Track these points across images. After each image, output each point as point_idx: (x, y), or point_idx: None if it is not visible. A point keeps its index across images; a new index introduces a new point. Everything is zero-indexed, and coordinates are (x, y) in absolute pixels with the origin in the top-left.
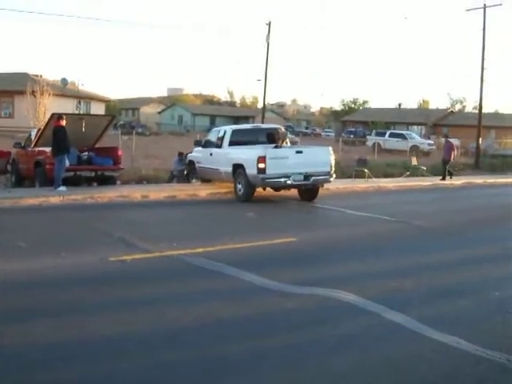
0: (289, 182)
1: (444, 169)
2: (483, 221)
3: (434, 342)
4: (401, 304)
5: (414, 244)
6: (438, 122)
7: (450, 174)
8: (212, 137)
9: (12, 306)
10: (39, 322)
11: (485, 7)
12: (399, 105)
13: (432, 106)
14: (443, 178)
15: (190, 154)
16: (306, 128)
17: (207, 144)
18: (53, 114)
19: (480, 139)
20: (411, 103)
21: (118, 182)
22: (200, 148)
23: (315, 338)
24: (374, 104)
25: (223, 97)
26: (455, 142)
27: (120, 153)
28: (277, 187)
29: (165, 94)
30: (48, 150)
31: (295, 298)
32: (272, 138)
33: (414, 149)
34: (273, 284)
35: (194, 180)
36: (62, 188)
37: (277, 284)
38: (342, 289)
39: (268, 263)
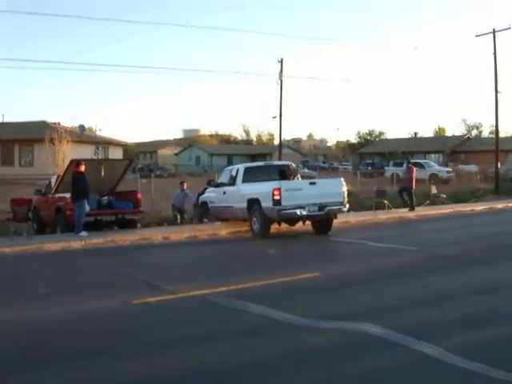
0: (304, 212)
1: (409, 198)
2: (508, 246)
3: (465, 372)
4: (429, 334)
5: (439, 273)
6: (456, 149)
7: (411, 204)
8: (224, 176)
9: (35, 352)
10: (64, 369)
11: (494, 32)
12: (415, 134)
13: (448, 133)
14: (412, 208)
15: (202, 196)
16: (324, 162)
17: (220, 184)
18: (72, 161)
19: (498, 164)
20: (427, 132)
21: (139, 225)
22: (213, 188)
23: (344, 373)
24: (390, 135)
25: (239, 135)
26: (473, 167)
27: (139, 196)
28: (293, 219)
29: (181, 135)
30: (68, 195)
31: (322, 332)
32: (284, 174)
33: (433, 177)
34: (298, 320)
35: (206, 220)
36: (84, 233)
37: (302, 320)
38: (368, 322)
39: (292, 299)
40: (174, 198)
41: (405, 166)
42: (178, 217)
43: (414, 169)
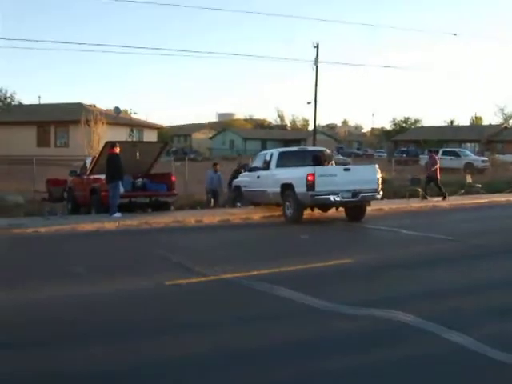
0: (338, 198)
1: (438, 187)
2: None
3: (494, 362)
4: (460, 323)
5: (472, 263)
6: (492, 139)
7: (444, 195)
8: (258, 161)
9: (69, 330)
10: (96, 347)
11: None
12: (451, 122)
13: (485, 121)
14: (444, 197)
15: (235, 180)
16: (358, 149)
17: (254, 168)
18: (107, 142)
19: None
20: (463, 120)
21: (172, 207)
22: (246, 172)
23: (374, 360)
24: (425, 122)
25: (274, 120)
26: (509, 157)
27: (174, 179)
28: (326, 204)
29: (215, 119)
30: (103, 177)
31: (353, 319)
32: (318, 160)
33: (468, 166)
34: (330, 305)
35: (239, 204)
36: (118, 214)
37: (334, 305)
38: (399, 309)
39: (323, 285)
40: (209, 181)
41: (427, 154)
42: (212, 200)
43: (436, 157)
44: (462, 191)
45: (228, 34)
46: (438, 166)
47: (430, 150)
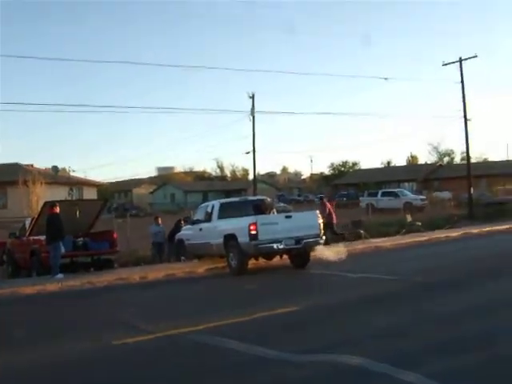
0: (281, 246)
1: (334, 233)
2: (486, 272)
3: None
4: (409, 362)
5: (417, 300)
6: (428, 177)
7: (342, 236)
8: (200, 213)
9: None
10: None
11: (461, 60)
12: (388, 163)
13: (421, 160)
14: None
15: (178, 233)
16: (299, 195)
17: (196, 221)
18: (46, 203)
19: (471, 189)
20: (400, 160)
21: (116, 265)
22: (189, 225)
23: None
24: (363, 165)
25: (214, 171)
26: (446, 194)
27: (115, 236)
28: (270, 253)
29: (155, 173)
30: (43, 238)
31: (304, 366)
32: (259, 209)
33: (408, 206)
34: (280, 355)
35: (183, 258)
36: (60, 275)
37: (284, 354)
38: (350, 353)
39: (272, 334)
40: (153, 235)
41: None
42: (157, 254)
43: (327, 202)
44: (404, 230)
45: (164, 88)
46: (330, 210)
47: (321, 196)
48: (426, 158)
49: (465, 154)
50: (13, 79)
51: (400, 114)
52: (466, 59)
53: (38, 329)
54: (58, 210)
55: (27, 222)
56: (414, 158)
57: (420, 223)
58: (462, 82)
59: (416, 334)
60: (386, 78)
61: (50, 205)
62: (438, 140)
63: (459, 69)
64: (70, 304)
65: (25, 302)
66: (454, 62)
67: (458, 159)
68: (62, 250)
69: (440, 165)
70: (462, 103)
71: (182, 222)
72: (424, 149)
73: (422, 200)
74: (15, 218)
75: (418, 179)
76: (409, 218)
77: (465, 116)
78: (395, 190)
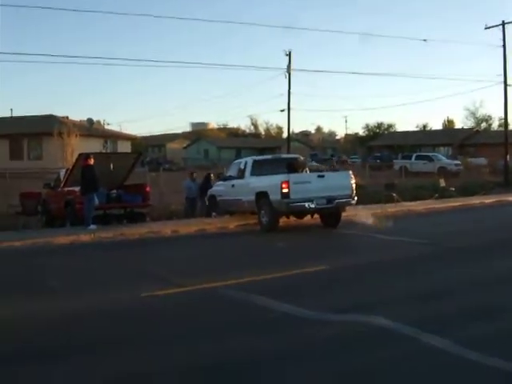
0: (312, 205)
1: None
2: None
3: (472, 363)
4: (437, 327)
5: (447, 265)
6: (465, 142)
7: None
8: (233, 169)
9: (43, 344)
10: (69, 361)
11: (503, 24)
12: (424, 126)
13: (457, 125)
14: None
15: (210, 189)
16: (332, 155)
17: (228, 177)
18: (80, 154)
19: (507, 156)
20: (436, 124)
21: (148, 218)
22: (221, 181)
23: (351, 366)
24: (399, 127)
25: (248, 129)
26: (482, 160)
27: (148, 189)
28: (301, 212)
29: (189, 128)
30: (77, 189)
31: (331, 325)
32: (292, 167)
33: (442, 170)
34: (307, 313)
35: (214, 214)
36: (93, 226)
37: (310, 312)
38: (377, 314)
39: (300, 292)
40: (187, 190)
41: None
42: (190, 210)
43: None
44: (437, 195)
45: (199, 44)
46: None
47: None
48: (462, 122)
49: (503, 121)
50: (48, 31)
51: (438, 76)
52: (508, 23)
53: (69, 278)
54: (92, 161)
55: (62, 174)
56: (450, 122)
57: (454, 188)
58: (504, 46)
59: (447, 300)
60: (425, 40)
61: (84, 156)
62: (476, 105)
63: (502, 32)
64: (102, 255)
65: (59, 251)
66: (496, 26)
67: (495, 125)
68: (96, 201)
69: (477, 130)
70: (502, 68)
71: (212, 176)
72: (461, 113)
73: (456, 165)
74: (50, 169)
75: (453, 144)
76: (442, 183)
77: (505, 81)
78: (430, 154)
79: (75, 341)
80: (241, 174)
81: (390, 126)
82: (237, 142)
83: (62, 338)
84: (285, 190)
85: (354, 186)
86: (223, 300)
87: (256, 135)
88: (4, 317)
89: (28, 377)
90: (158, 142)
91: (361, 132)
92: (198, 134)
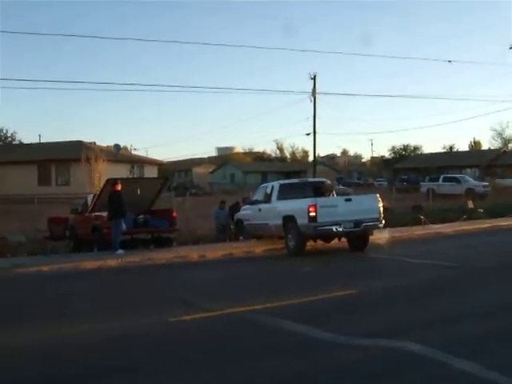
0: (340, 229)
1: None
2: None
3: None
4: (468, 351)
5: (477, 288)
6: (492, 163)
7: None
8: (259, 194)
9: (74, 369)
10: None
11: None
12: (451, 148)
13: (484, 146)
14: None
15: (237, 213)
16: (358, 178)
17: (255, 201)
18: (108, 180)
19: None
20: (463, 145)
21: (175, 243)
22: (248, 206)
23: None
24: (425, 149)
25: (273, 152)
26: (510, 181)
27: (175, 214)
28: (328, 236)
29: (214, 153)
30: (105, 214)
31: (360, 350)
32: (319, 190)
33: (470, 192)
34: (336, 337)
35: (241, 238)
36: (120, 251)
37: (341, 337)
38: (406, 339)
39: (329, 317)
40: (215, 220)
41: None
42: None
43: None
44: (465, 216)
45: (222, 69)
46: None
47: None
48: (489, 143)
49: None
50: (76, 58)
51: (464, 97)
52: None
53: (98, 303)
54: (119, 187)
55: (89, 199)
56: (476, 143)
57: (482, 210)
58: None
59: (476, 324)
60: (449, 61)
61: (112, 182)
62: (503, 125)
63: None
64: (129, 280)
65: (86, 276)
66: None
67: None
68: (123, 226)
69: (504, 151)
70: None
71: (241, 204)
72: (488, 134)
73: (484, 186)
74: (78, 194)
75: (480, 165)
76: (470, 205)
77: None
78: (457, 176)
79: (103, 365)
80: (267, 199)
81: (416, 148)
82: (262, 166)
83: (90, 363)
84: (312, 214)
85: (381, 209)
86: (251, 325)
87: (282, 159)
88: (30, 342)
89: None
90: (185, 166)
91: (387, 155)
92: (224, 159)
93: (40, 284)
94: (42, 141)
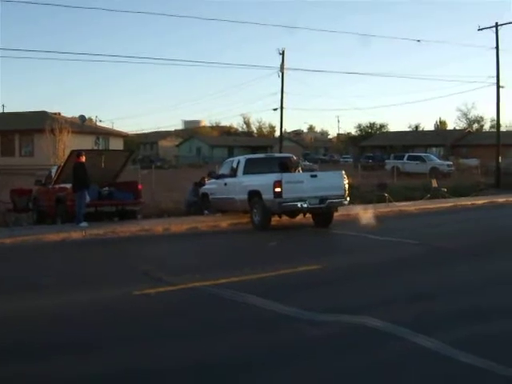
0: (305, 205)
1: None
2: (508, 240)
3: (464, 366)
4: (428, 328)
5: (438, 266)
6: (457, 143)
7: None
8: (225, 168)
9: (35, 341)
10: (61, 358)
11: (497, 25)
12: (416, 127)
13: (449, 126)
14: None
15: (203, 187)
16: (324, 155)
17: (221, 176)
18: (72, 151)
19: (499, 158)
20: (428, 125)
21: (139, 216)
22: (213, 180)
23: (343, 366)
24: (391, 127)
25: (240, 127)
26: (474, 161)
27: (140, 187)
28: (293, 211)
29: (181, 126)
30: (69, 186)
31: (322, 325)
32: (285, 166)
33: (434, 171)
34: (298, 312)
35: (206, 212)
36: (84, 224)
37: (303, 312)
38: (368, 315)
39: (292, 292)
40: (188, 195)
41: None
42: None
43: None
44: (429, 195)
45: (192, 43)
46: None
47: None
48: (454, 123)
49: (495, 122)
50: (42, 28)
51: (431, 77)
52: (502, 24)
53: (60, 276)
54: (84, 158)
55: (53, 170)
56: (442, 123)
57: (445, 189)
58: (497, 47)
59: (437, 300)
60: (418, 41)
61: (76, 153)
62: (468, 106)
63: (495, 34)
64: (93, 253)
65: (49, 248)
66: (490, 27)
67: (487, 127)
68: (87, 198)
69: (469, 131)
70: (495, 69)
71: (206, 178)
72: (453, 114)
73: (448, 166)
74: (41, 165)
75: (445, 145)
76: (434, 184)
77: (497, 83)
78: (422, 155)
79: (64, 339)
80: (233, 173)
81: (382, 126)
82: (229, 140)
83: (51, 337)
84: (277, 190)
85: (346, 186)
86: (215, 299)
87: (248, 134)
88: None
89: (14, 377)
90: (151, 139)
91: (353, 132)
92: (191, 132)
93: (1, 256)
94: (5, 111)
